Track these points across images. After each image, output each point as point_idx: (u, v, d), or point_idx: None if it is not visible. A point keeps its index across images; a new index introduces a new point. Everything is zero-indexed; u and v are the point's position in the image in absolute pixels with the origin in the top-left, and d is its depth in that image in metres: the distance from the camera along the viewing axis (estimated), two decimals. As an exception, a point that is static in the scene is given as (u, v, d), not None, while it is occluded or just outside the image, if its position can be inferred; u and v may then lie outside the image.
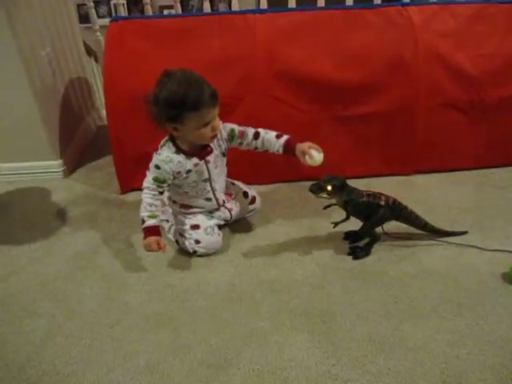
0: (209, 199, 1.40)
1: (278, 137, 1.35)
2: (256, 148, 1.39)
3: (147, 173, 1.30)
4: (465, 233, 1.43)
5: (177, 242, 1.43)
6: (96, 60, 2.97)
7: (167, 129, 1.25)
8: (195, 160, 1.31)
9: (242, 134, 1.36)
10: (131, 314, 1.18)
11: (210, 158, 1.33)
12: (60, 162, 1.96)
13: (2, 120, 1.82)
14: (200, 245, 1.36)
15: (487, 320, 1.11)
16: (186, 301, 1.22)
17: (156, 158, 1.29)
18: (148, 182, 1.29)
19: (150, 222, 1.27)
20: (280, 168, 1.71)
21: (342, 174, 1.30)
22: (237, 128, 1.36)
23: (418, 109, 1.70)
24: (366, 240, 1.37)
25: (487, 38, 1.71)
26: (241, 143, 1.38)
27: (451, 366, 0.99)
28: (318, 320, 1.13)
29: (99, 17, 3.78)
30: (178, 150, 1.29)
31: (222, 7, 4.59)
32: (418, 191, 1.71)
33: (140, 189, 1.32)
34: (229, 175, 1.49)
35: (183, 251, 1.40)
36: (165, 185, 1.30)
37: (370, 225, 1.33)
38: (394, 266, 1.31)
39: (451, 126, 1.76)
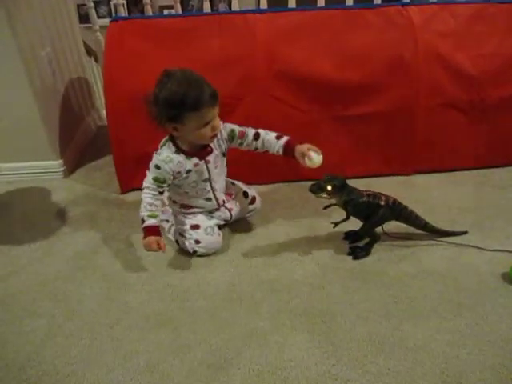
0: (209, 199, 1.40)
1: (278, 138, 1.35)
2: (256, 149, 1.39)
3: (147, 173, 1.30)
4: (465, 233, 1.43)
5: (177, 241, 1.43)
6: (96, 60, 2.97)
7: (167, 129, 1.25)
8: (195, 160, 1.31)
9: (243, 135, 1.36)
10: (131, 314, 1.18)
11: (210, 158, 1.33)
12: (60, 161, 1.96)
13: (2, 120, 1.82)
14: (200, 245, 1.36)
15: (487, 320, 1.11)
16: (186, 301, 1.22)
17: (156, 158, 1.29)
18: (148, 181, 1.29)
19: (150, 222, 1.27)
20: (280, 168, 1.71)
21: (342, 174, 1.30)
22: (237, 128, 1.36)
23: (418, 109, 1.70)
24: (366, 240, 1.37)
25: (487, 38, 1.71)
26: (241, 144, 1.38)
27: (451, 366, 0.99)
28: (318, 320, 1.13)
29: (99, 17, 3.78)
30: (178, 150, 1.29)
31: (222, 7, 4.59)
32: (418, 191, 1.71)
33: (140, 189, 1.32)
34: (229, 175, 1.49)
35: (183, 251, 1.40)
36: (165, 185, 1.30)
37: (370, 225, 1.33)
38: (394, 265, 1.31)
39: (451, 126, 1.76)
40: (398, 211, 1.32)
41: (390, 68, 1.67)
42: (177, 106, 1.17)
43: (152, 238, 1.25)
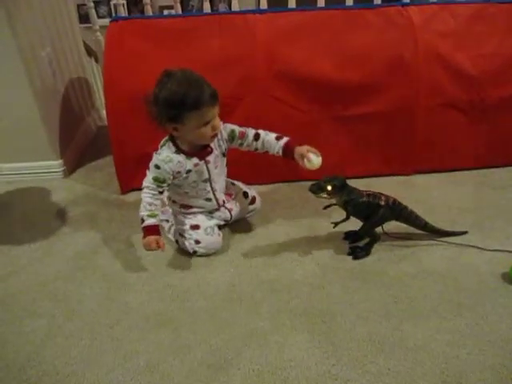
0: (209, 199, 1.40)
1: (277, 139, 1.35)
2: (256, 149, 1.39)
3: (147, 172, 1.31)
4: (465, 233, 1.43)
5: (177, 242, 1.43)
6: (96, 60, 2.97)
7: (167, 129, 1.26)
8: (195, 160, 1.31)
9: (243, 135, 1.36)
10: (131, 314, 1.18)
11: (210, 158, 1.33)
12: (60, 162, 1.96)
13: (2, 120, 1.82)
14: (200, 245, 1.36)
15: (487, 320, 1.11)
16: (186, 301, 1.22)
17: (156, 158, 1.29)
18: (148, 181, 1.29)
19: (150, 222, 1.27)
20: (280, 168, 1.71)
21: (342, 174, 1.30)
22: (237, 129, 1.36)
23: (417, 109, 1.71)
24: (366, 240, 1.37)
25: (487, 38, 1.71)
26: (241, 144, 1.38)
27: (451, 366, 0.99)
28: (318, 320, 1.13)
29: (99, 17, 3.78)
30: (178, 150, 1.29)
31: (222, 7, 4.59)
32: (418, 191, 1.71)
33: (140, 189, 1.32)
34: (229, 175, 1.49)
35: (183, 251, 1.40)
36: (164, 184, 1.30)
37: (370, 225, 1.33)
38: (394, 265, 1.31)
39: (451, 126, 1.76)
40: (397, 211, 1.32)
41: (390, 68, 1.67)
42: (177, 106, 1.17)
43: (151, 238, 1.25)
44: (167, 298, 1.23)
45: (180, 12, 2.45)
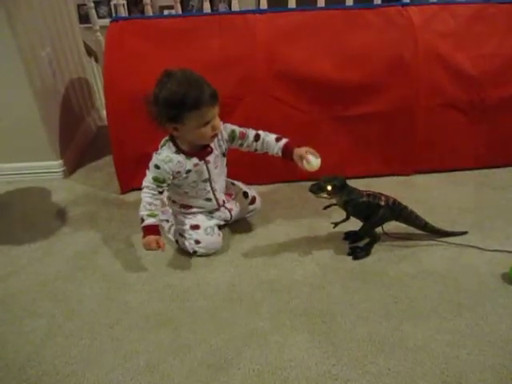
0: (209, 199, 1.40)
1: (277, 140, 1.36)
2: (256, 150, 1.40)
3: (147, 172, 1.31)
4: (465, 233, 1.43)
5: (177, 242, 1.43)
6: (96, 60, 2.97)
7: (167, 129, 1.26)
8: (195, 160, 1.31)
9: (243, 136, 1.36)
10: (131, 314, 1.18)
11: (210, 158, 1.33)
12: (60, 162, 1.96)
13: (2, 120, 1.82)
14: (200, 245, 1.36)
15: (487, 320, 1.11)
16: (186, 301, 1.22)
17: (156, 158, 1.29)
18: (148, 181, 1.29)
19: (150, 221, 1.27)
20: (280, 169, 1.70)
21: (342, 174, 1.30)
22: (238, 129, 1.37)
23: (418, 109, 1.71)
24: (366, 240, 1.37)
25: (487, 39, 1.71)
26: (241, 144, 1.38)
27: (451, 367, 0.99)
28: (318, 320, 1.13)
29: (99, 17, 3.78)
30: (178, 150, 1.29)
31: (222, 7, 4.59)
32: (418, 191, 1.71)
33: (140, 189, 1.32)
34: (229, 176, 1.49)
35: (183, 251, 1.40)
36: (164, 184, 1.30)
37: (370, 225, 1.33)
38: (394, 266, 1.31)
39: (451, 126, 1.76)
40: (397, 211, 1.32)
41: (390, 68, 1.67)
42: (177, 106, 1.17)
43: (151, 237, 1.25)
44: (167, 297, 1.23)
45: (180, 12, 2.45)
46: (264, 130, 1.40)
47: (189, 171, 1.31)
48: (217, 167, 1.37)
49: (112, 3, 4.43)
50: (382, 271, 1.29)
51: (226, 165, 1.44)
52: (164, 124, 1.23)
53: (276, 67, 1.64)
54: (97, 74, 3.00)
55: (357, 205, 1.29)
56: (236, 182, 1.54)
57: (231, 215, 1.47)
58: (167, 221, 1.48)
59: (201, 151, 1.32)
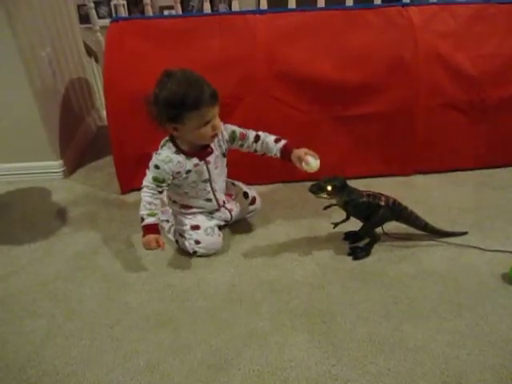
0: (209, 200, 1.40)
1: (276, 141, 1.36)
2: (256, 151, 1.40)
3: (147, 172, 1.31)
4: (465, 233, 1.43)
5: (177, 242, 1.43)
6: (96, 60, 2.97)
7: (167, 129, 1.26)
8: (195, 160, 1.31)
9: (244, 137, 1.37)
10: (131, 314, 1.18)
11: (211, 158, 1.33)
12: (60, 162, 1.96)
13: (2, 120, 1.82)
14: (200, 245, 1.36)
15: (487, 320, 1.11)
16: (186, 301, 1.22)
17: (156, 158, 1.29)
18: (147, 181, 1.29)
19: (149, 220, 1.27)
20: (280, 169, 1.71)
21: (342, 174, 1.30)
22: (238, 130, 1.37)
23: (417, 109, 1.71)
24: (366, 240, 1.37)
25: (487, 39, 1.71)
26: (242, 145, 1.39)
27: (451, 367, 0.99)
28: (318, 320, 1.13)
29: (99, 17, 3.78)
30: (178, 150, 1.29)
31: (223, 8, 4.59)
32: (418, 191, 1.71)
33: (140, 189, 1.32)
34: (229, 176, 1.49)
35: (183, 251, 1.40)
36: (164, 184, 1.30)
37: (370, 225, 1.33)
38: (394, 266, 1.31)
39: (451, 127, 1.76)
40: (398, 212, 1.32)
41: (390, 68, 1.67)
42: (177, 106, 1.17)
43: (151, 236, 1.25)
44: (167, 297, 1.23)
45: (180, 12, 2.45)
46: (264, 130, 1.40)
47: (189, 171, 1.31)
48: (217, 167, 1.37)
49: (112, 3, 4.43)
50: (382, 271, 1.29)
51: (226, 165, 1.44)
52: (164, 124, 1.23)
53: (276, 67, 1.64)
54: (97, 74, 3.00)
55: (357, 205, 1.29)
56: (236, 183, 1.54)
57: (231, 215, 1.47)
58: (167, 221, 1.48)
59: (201, 151, 1.32)
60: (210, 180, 1.36)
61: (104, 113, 2.44)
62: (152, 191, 1.29)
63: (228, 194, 1.50)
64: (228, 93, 1.55)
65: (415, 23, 1.68)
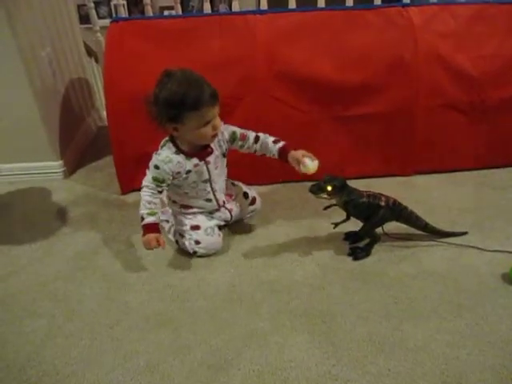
0: (209, 200, 1.40)
1: (275, 142, 1.37)
2: (255, 151, 1.40)
3: (147, 171, 1.31)
4: (465, 233, 1.43)
5: (177, 242, 1.43)
6: (96, 61, 2.97)
7: (167, 129, 1.26)
8: (195, 161, 1.31)
9: (244, 137, 1.37)
10: (131, 314, 1.18)
11: (211, 158, 1.33)
12: (60, 162, 1.96)
13: (2, 120, 1.82)
14: (200, 245, 1.36)
15: (487, 321, 1.11)
16: (186, 301, 1.22)
17: (155, 158, 1.29)
18: (147, 180, 1.29)
19: (150, 220, 1.27)
20: (280, 169, 1.70)
21: (342, 174, 1.30)
22: (238, 131, 1.37)
23: (417, 109, 1.71)
24: (366, 241, 1.37)
25: (487, 39, 1.71)
26: (242, 146, 1.39)
27: (451, 367, 0.99)
28: (318, 321, 1.13)
29: (99, 17, 3.78)
30: (178, 151, 1.29)
31: (223, 8, 4.59)
32: (418, 192, 1.71)
33: (140, 189, 1.32)
34: (229, 176, 1.49)
35: (183, 251, 1.40)
36: (164, 184, 1.30)
37: (370, 225, 1.33)
38: (394, 266, 1.31)
39: (451, 127, 1.76)
40: (398, 212, 1.32)
41: (390, 68, 1.67)
42: (177, 106, 1.17)
43: (151, 236, 1.25)
44: (167, 298, 1.23)
45: (180, 12, 2.45)
46: (264, 130, 1.40)
47: (189, 172, 1.31)
48: (217, 168, 1.37)
49: (112, 3, 4.43)
50: (382, 272, 1.29)
51: (226, 165, 1.44)
52: (164, 124, 1.23)
53: (276, 67, 1.64)
54: (97, 74, 3.00)
55: (357, 205, 1.29)
56: (236, 183, 1.54)
57: (231, 216, 1.47)
58: (167, 221, 1.48)
59: (201, 151, 1.32)
60: (209, 180, 1.36)
61: (104, 113, 2.44)
62: (152, 191, 1.29)
63: (228, 194, 1.50)
64: (228, 93, 1.55)
65: (415, 23, 1.68)
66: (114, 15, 4.26)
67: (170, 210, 1.47)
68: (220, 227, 1.45)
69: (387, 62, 1.66)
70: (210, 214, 1.44)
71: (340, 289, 1.23)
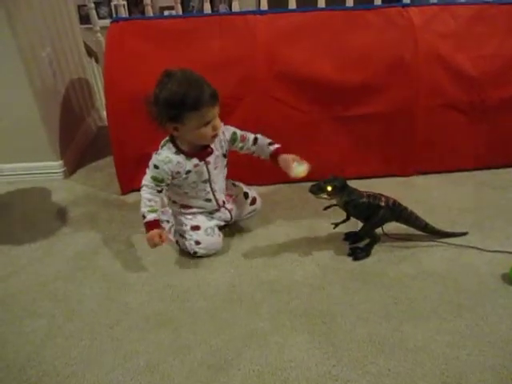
0: (208, 200, 1.40)
1: (269, 144, 1.39)
2: (253, 153, 1.42)
3: (147, 171, 1.31)
4: (465, 233, 1.43)
5: (177, 242, 1.43)
6: (96, 61, 2.97)
7: (167, 129, 1.26)
8: (195, 161, 1.31)
9: (244, 139, 1.38)
10: (131, 315, 1.18)
11: (211, 159, 1.33)
12: (60, 162, 1.96)
13: (2, 120, 1.82)
14: (200, 246, 1.36)
15: (487, 321, 1.11)
16: (187, 301, 1.22)
17: (155, 158, 1.29)
18: (147, 180, 1.30)
19: (151, 217, 1.27)
20: (280, 170, 1.70)
21: (342, 174, 1.30)
22: (239, 132, 1.38)
23: (418, 109, 1.71)
24: (366, 241, 1.37)
25: (487, 39, 1.71)
26: (242, 147, 1.40)
27: (451, 367, 0.99)
28: (318, 321, 1.13)
29: (100, 18, 3.77)
30: (178, 151, 1.29)
31: (223, 8, 4.59)
32: (418, 192, 1.71)
33: (140, 189, 1.32)
34: (229, 177, 1.49)
35: (183, 251, 1.40)
36: (163, 184, 1.30)
37: (370, 226, 1.33)
38: (394, 266, 1.31)
39: (451, 127, 1.76)
40: (398, 212, 1.32)
41: (390, 69, 1.67)
42: (177, 106, 1.17)
43: (154, 232, 1.26)
44: (167, 298, 1.23)
45: (180, 13, 2.44)
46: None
47: (188, 172, 1.31)
48: (216, 168, 1.37)
49: (112, 4, 4.42)
50: (382, 272, 1.29)
51: (226, 165, 1.44)
52: (164, 124, 1.23)
53: (276, 68, 1.64)
54: (97, 74, 3.00)
55: (357, 205, 1.29)
56: (237, 183, 1.54)
57: (231, 216, 1.47)
58: (167, 221, 1.48)
59: (201, 152, 1.32)
60: (209, 180, 1.36)
61: (104, 113, 2.44)
62: (151, 190, 1.29)
63: (228, 195, 1.50)
64: (228, 93, 1.55)
65: (415, 23, 1.68)
66: (114, 15, 4.25)
67: (170, 210, 1.47)
68: (220, 227, 1.45)
69: (387, 62, 1.66)
70: (210, 214, 1.44)
71: (340, 289, 1.23)
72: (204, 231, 1.37)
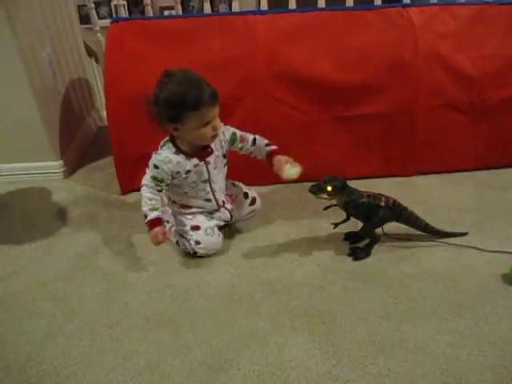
0: (208, 200, 1.41)
1: (266, 145, 1.39)
2: (251, 153, 1.42)
3: (147, 170, 1.31)
4: (465, 234, 1.43)
5: (177, 243, 1.43)
6: (97, 61, 2.97)
7: (168, 129, 1.26)
8: (195, 161, 1.31)
9: (243, 139, 1.38)
10: (131, 315, 1.18)
11: (210, 159, 1.34)
12: (60, 162, 1.96)
13: (2, 120, 1.82)
14: (200, 246, 1.36)
15: (487, 321, 1.11)
16: (186, 301, 1.22)
17: (155, 158, 1.29)
18: (147, 179, 1.30)
19: (153, 215, 1.28)
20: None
21: (342, 175, 1.30)
22: (238, 133, 1.38)
23: (418, 109, 1.71)
24: (366, 241, 1.37)
25: (488, 39, 1.71)
26: (241, 148, 1.40)
27: (451, 367, 0.99)
28: (318, 321, 1.13)
29: (100, 18, 3.76)
30: (178, 151, 1.29)
31: (223, 8, 4.60)
32: (418, 192, 1.71)
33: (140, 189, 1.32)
34: (229, 177, 1.49)
35: (183, 251, 1.40)
36: (163, 184, 1.30)
37: (370, 226, 1.33)
38: (394, 266, 1.31)
39: (451, 127, 1.76)
40: (398, 212, 1.32)
41: (390, 69, 1.67)
42: (177, 106, 1.17)
43: (157, 229, 1.26)
44: (167, 298, 1.23)
45: (180, 13, 2.44)
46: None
47: (188, 172, 1.31)
48: (216, 168, 1.37)
49: (112, 4, 4.41)
50: (382, 272, 1.29)
51: (225, 165, 1.44)
52: (164, 124, 1.23)
53: (276, 68, 1.64)
54: (97, 74, 3.00)
55: (357, 205, 1.29)
56: (237, 183, 1.54)
57: (231, 216, 1.47)
58: (167, 221, 1.48)
59: (201, 152, 1.32)
60: (209, 180, 1.36)
61: (104, 113, 2.44)
62: (151, 189, 1.29)
63: (228, 195, 1.50)
64: (228, 93, 1.55)
65: (415, 24, 1.68)
66: (114, 15, 4.25)
67: (170, 210, 1.47)
68: (220, 227, 1.45)
69: (387, 63, 1.66)
70: (210, 214, 1.44)
71: (340, 289, 1.23)
72: (204, 231, 1.37)
